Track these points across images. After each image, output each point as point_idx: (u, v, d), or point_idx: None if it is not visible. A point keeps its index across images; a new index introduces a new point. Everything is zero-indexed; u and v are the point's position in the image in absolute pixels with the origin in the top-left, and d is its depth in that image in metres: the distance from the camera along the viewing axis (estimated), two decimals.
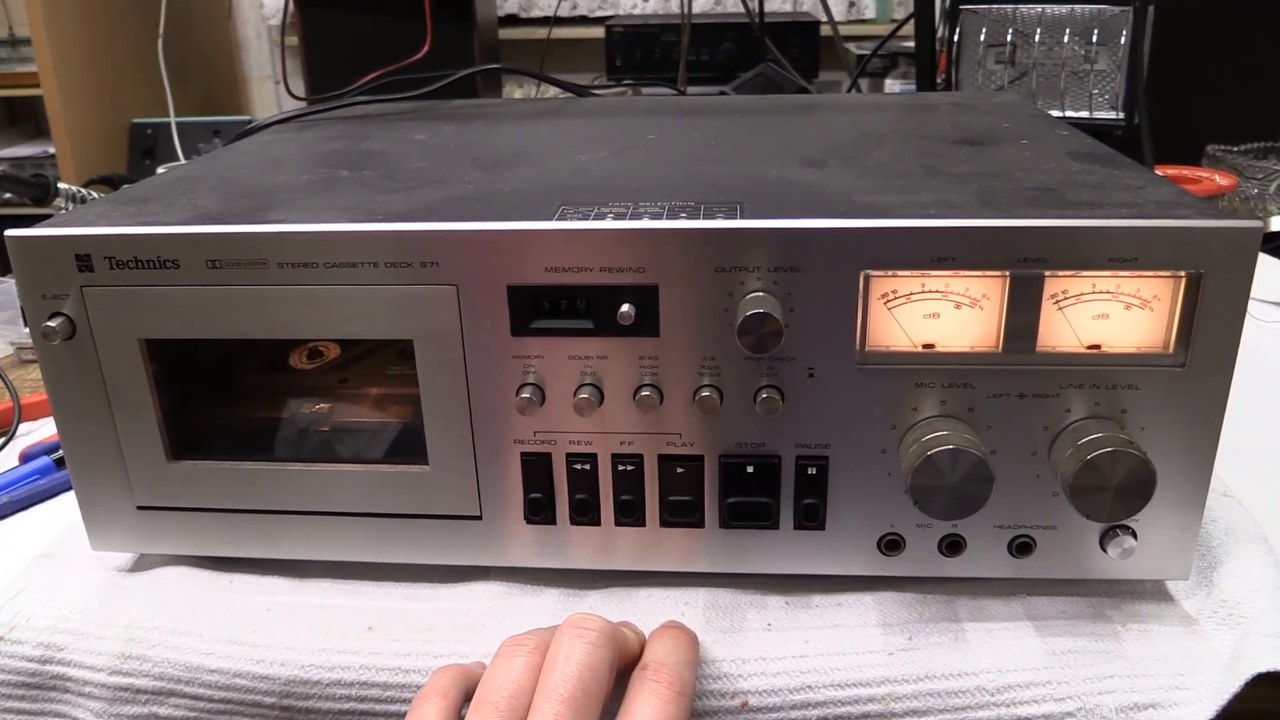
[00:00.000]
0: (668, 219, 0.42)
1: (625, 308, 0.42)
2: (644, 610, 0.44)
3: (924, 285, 0.43)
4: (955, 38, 0.88)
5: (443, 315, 0.43)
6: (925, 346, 0.44)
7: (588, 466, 0.45)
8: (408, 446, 0.47)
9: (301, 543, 0.50)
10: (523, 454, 0.44)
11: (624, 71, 1.69)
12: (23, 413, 0.67)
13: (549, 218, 0.43)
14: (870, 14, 2.43)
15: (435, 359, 0.45)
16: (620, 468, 0.44)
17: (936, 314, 0.42)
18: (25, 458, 0.62)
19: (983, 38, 0.85)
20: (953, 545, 0.46)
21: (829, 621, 0.46)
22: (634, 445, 0.43)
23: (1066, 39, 0.80)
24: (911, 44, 1.69)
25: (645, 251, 0.42)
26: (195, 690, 0.46)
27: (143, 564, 0.53)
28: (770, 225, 0.42)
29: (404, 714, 0.44)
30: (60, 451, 0.62)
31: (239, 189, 0.51)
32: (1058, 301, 0.42)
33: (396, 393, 0.51)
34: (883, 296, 0.43)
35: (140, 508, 0.50)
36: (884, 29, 2.21)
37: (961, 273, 0.39)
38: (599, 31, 1.80)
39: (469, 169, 0.53)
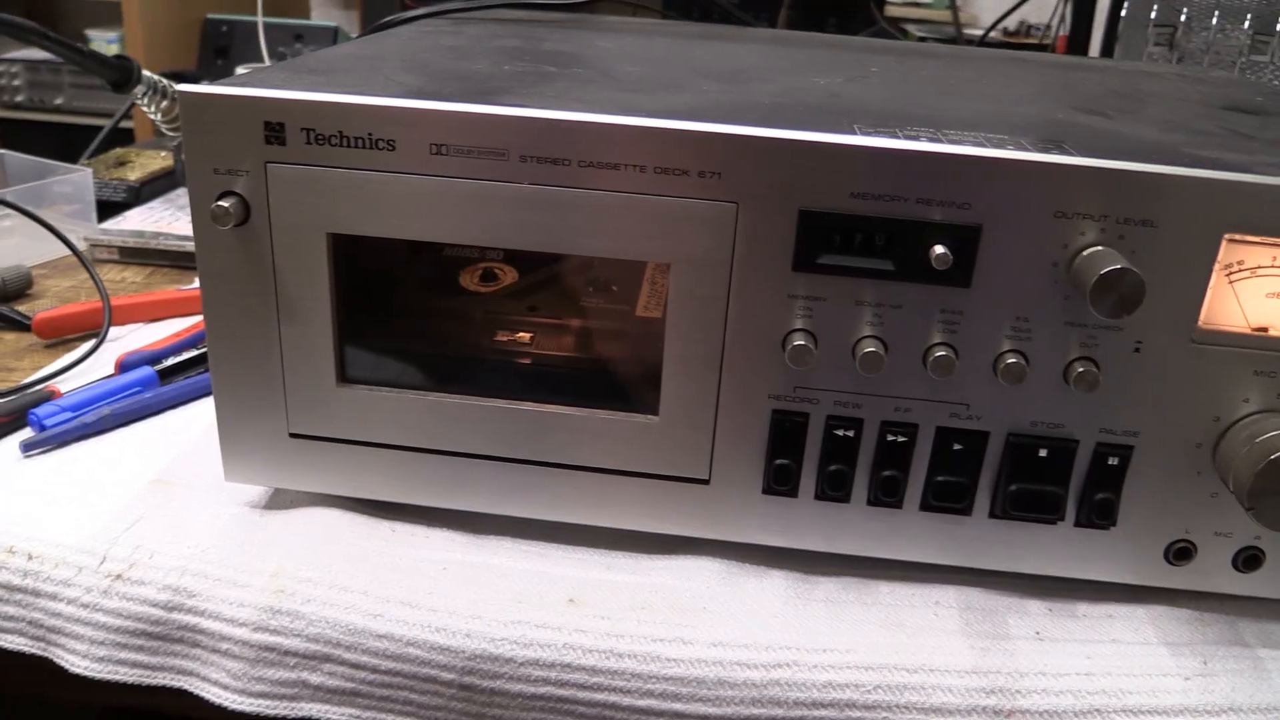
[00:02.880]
0: (997, 148, 0.36)
1: (940, 249, 0.36)
2: (886, 607, 0.39)
3: (1275, 259, 0.36)
4: (1120, 12, 0.82)
5: (713, 237, 0.37)
6: (1257, 330, 0.37)
7: (850, 433, 0.40)
8: (630, 391, 0.42)
9: (484, 493, 0.43)
10: (775, 411, 0.39)
11: (689, 5, 1.66)
12: (113, 315, 0.58)
13: (848, 131, 0.37)
14: None
15: (692, 289, 0.38)
16: (889, 438, 0.39)
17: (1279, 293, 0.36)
18: (123, 367, 0.53)
19: (1153, 15, 0.78)
20: (1250, 560, 0.40)
21: (1103, 635, 0.40)
22: (910, 413, 0.38)
23: (1247, 24, 0.73)
24: (979, 31, 1.65)
25: (973, 184, 0.35)
26: (357, 657, 0.39)
27: (280, 501, 0.45)
28: (1132, 168, 0.35)
29: (610, 704, 0.37)
30: (165, 362, 0.54)
31: (439, 72, 0.43)
32: None
33: (607, 327, 0.45)
34: (1226, 267, 0.37)
35: (295, 435, 0.43)
36: (937, 14, 2.20)
37: None
38: None
39: (696, 78, 0.46)
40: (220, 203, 0.38)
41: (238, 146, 0.38)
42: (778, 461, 0.40)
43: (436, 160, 0.38)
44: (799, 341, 0.38)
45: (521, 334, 0.46)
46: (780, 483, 0.40)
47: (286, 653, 0.39)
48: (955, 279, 0.36)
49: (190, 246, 0.71)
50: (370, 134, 0.38)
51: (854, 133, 0.37)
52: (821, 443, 0.39)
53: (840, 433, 0.40)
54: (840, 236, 0.36)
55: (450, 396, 0.42)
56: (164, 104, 0.68)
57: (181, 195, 0.83)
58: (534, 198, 0.38)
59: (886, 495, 0.40)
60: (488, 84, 0.41)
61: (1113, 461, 0.39)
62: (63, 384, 0.52)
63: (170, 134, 0.74)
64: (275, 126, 0.38)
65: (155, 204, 0.80)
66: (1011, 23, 2.13)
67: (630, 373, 0.43)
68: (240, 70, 0.80)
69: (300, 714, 0.40)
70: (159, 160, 0.89)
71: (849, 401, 0.40)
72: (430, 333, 0.47)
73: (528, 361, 0.45)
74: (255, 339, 0.41)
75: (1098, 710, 0.37)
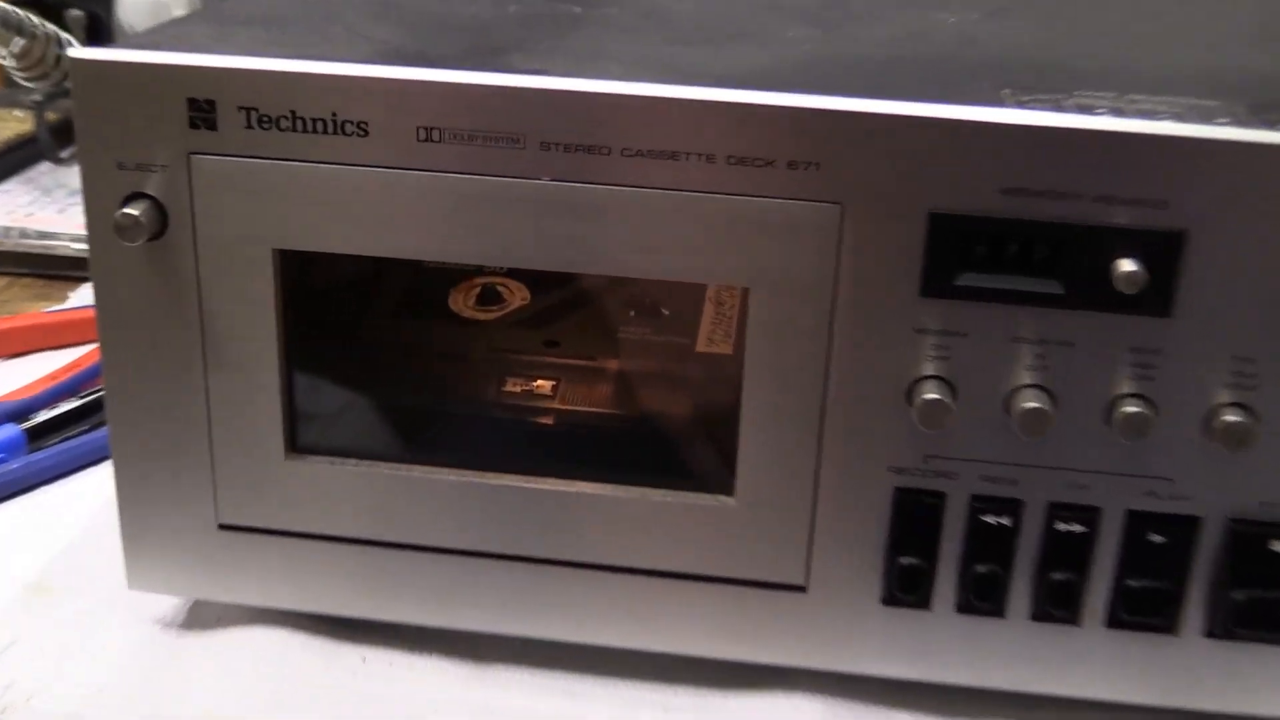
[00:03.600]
0: (1207, 124, 0.37)
1: (1128, 265, 0.36)
2: None
3: None
4: None
5: (809, 252, 0.38)
6: None
7: (1005, 520, 0.40)
8: (693, 461, 0.43)
9: (490, 606, 0.44)
10: (898, 490, 0.40)
11: None
12: None
13: (995, 103, 0.38)
14: None
15: (780, 323, 0.40)
16: (1059, 526, 0.40)
17: None
18: None
19: None
20: None
21: None
22: (1089, 491, 0.39)
23: None
24: None
25: (1174, 174, 0.36)
26: None
27: (206, 618, 0.47)
28: None
29: None
30: (34, 417, 0.56)
31: (424, 20, 0.45)
32: None
33: (658, 369, 0.47)
34: None
35: (226, 526, 0.44)
36: None
37: None
38: None
39: (777, 19, 0.47)
40: (127, 209, 0.40)
41: (151, 132, 0.40)
42: (903, 560, 0.41)
43: (426, 150, 0.39)
44: (931, 394, 0.39)
45: (539, 381, 0.47)
46: (907, 589, 0.41)
47: None
48: (1150, 305, 0.37)
49: (66, 247, 0.72)
50: (334, 114, 0.39)
51: (1003, 103, 0.38)
52: (964, 534, 0.40)
53: (990, 519, 0.40)
54: (987, 248, 0.37)
55: (442, 472, 0.43)
56: (19, 43, 0.67)
57: (48, 172, 0.85)
58: (560, 200, 0.39)
59: (1057, 607, 0.40)
60: (491, 37, 0.43)
61: None
62: None
63: (28, 85, 0.73)
64: (203, 105, 0.40)
65: (11, 186, 0.82)
66: None
67: (692, 435, 0.44)
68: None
69: None
70: (12, 123, 0.90)
71: (1002, 476, 0.40)
72: (414, 382, 0.48)
73: (548, 421, 0.46)
74: (173, 393, 0.43)
75: None
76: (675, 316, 0.45)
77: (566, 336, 0.47)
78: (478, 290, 0.49)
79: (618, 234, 0.39)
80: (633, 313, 0.46)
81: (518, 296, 0.49)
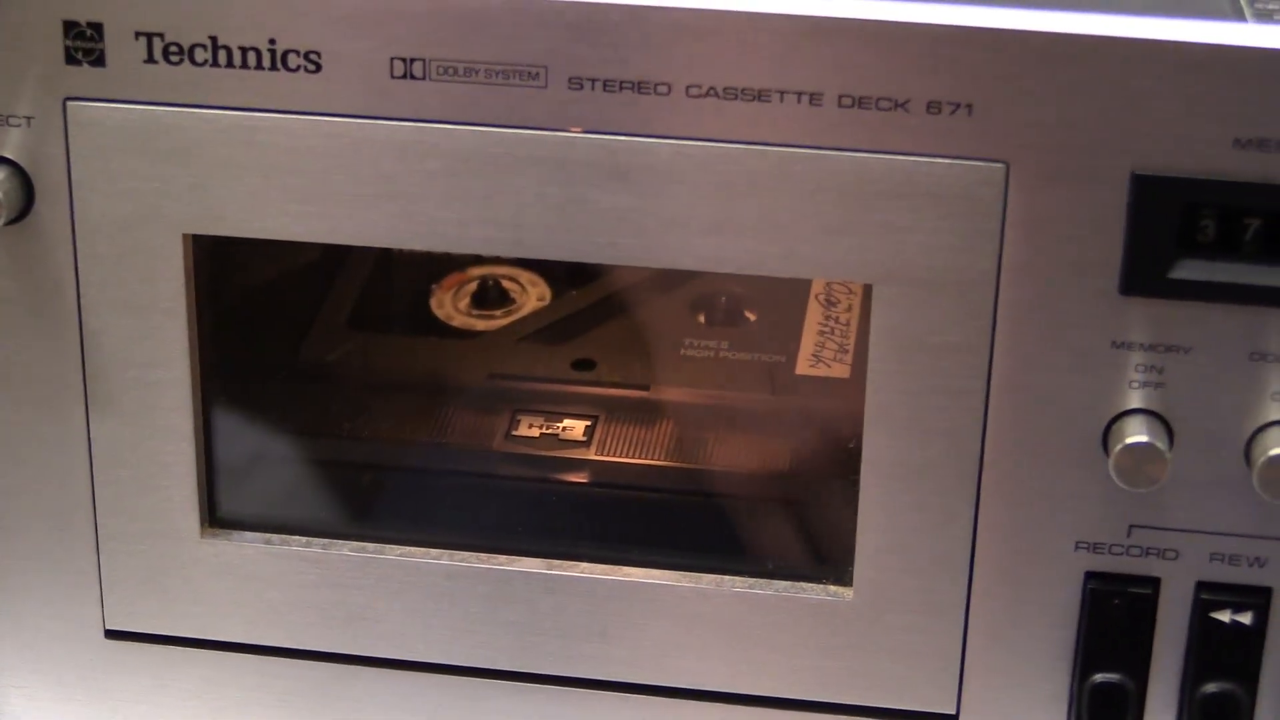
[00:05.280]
0: None
1: None
2: None
3: None
4: None
5: (959, 230, 0.39)
6: None
7: (1250, 618, 0.41)
8: (792, 540, 0.44)
9: None
10: (1091, 577, 0.41)
11: None
12: None
13: (1229, 17, 0.39)
14: None
15: (917, 335, 0.41)
16: None
17: None
18: None
19: None
20: None
21: None
22: None
23: None
24: None
25: None
26: None
27: None
28: None
29: None
30: None
31: None
32: None
33: (738, 404, 0.48)
34: None
35: (115, 635, 0.45)
36: None
37: None
38: None
39: None
40: None
41: (9, 69, 0.41)
42: (1098, 679, 0.42)
43: (402, 90, 0.40)
44: (1138, 436, 0.40)
45: (567, 421, 0.48)
46: (1107, 718, 0.41)
47: None
48: None
49: None
50: (273, 42, 0.40)
51: (1241, 17, 0.38)
52: (1189, 639, 0.41)
53: (1226, 618, 0.41)
54: (1217, 225, 0.38)
55: (424, 554, 0.44)
56: None
57: None
58: (596, 159, 0.40)
59: None
60: None
61: None
62: None
63: None
64: (85, 31, 0.41)
65: None
66: None
67: (790, 498, 0.45)
68: None
69: None
70: None
71: (1243, 554, 0.41)
72: (383, 423, 0.49)
73: (580, 478, 0.47)
74: (41, 445, 0.44)
75: None
76: (765, 326, 0.46)
77: (605, 354, 0.48)
78: (474, 287, 0.50)
79: (678, 207, 0.40)
80: (702, 319, 0.47)
81: (533, 296, 0.49)
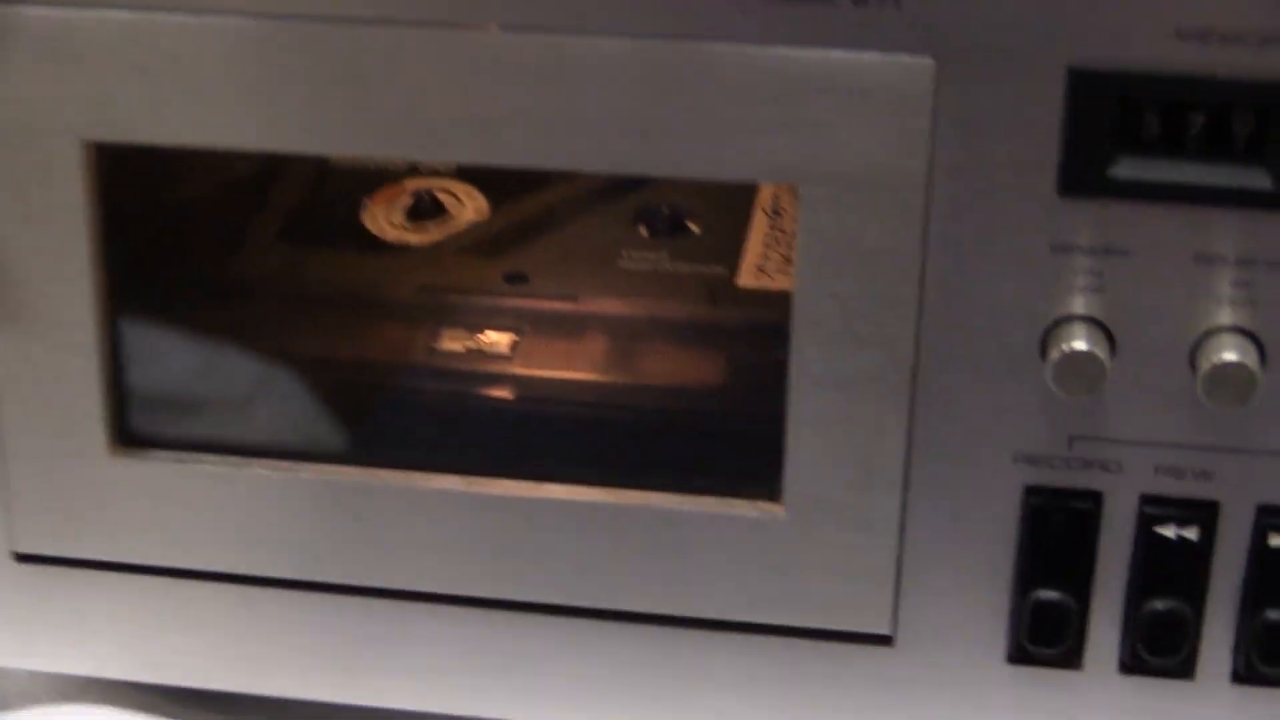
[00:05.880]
0: None
1: None
2: None
3: None
4: None
5: (887, 129, 0.38)
6: None
7: (1196, 533, 0.41)
8: (722, 455, 0.44)
9: (420, 673, 0.45)
10: (1031, 490, 0.41)
11: None
12: None
13: None
14: None
15: (846, 239, 0.40)
16: (1276, 540, 0.41)
17: None
18: None
19: None
20: None
21: None
22: None
23: None
24: None
25: None
26: None
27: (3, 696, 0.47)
28: None
29: None
30: None
31: None
32: None
33: (679, 317, 0.47)
34: None
35: (24, 558, 0.45)
36: None
37: None
38: None
39: None
40: None
41: None
42: (1039, 595, 0.41)
43: None
44: (1077, 343, 0.39)
45: (492, 336, 0.48)
46: (1045, 639, 0.42)
47: None
48: None
49: None
50: None
51: None
52: (1132, 555, 0.41)
53: (1171, 532, 0.41)
54: (1160, 122, 0.37)
55: (344, 473, 0.43)
56: None
57: None
58: (513, 57, 0.39)
59: (1272, 662, 0.41)
60: None
61: None
62: None
63: None
64: None
65: None
66: None
67: (722, 413, 0.44)
68: None
69: None
70: None
71: (1188, 466, 0.40)
72: (304, 339, 0.49)
73: (507, 394, 0.47)
74: None
75: None
76: (709, 238, 0.46)
77: (540, 268, 0.47)
78: (408, 201, 0.49)
79: (598, 107, 0.39)
80: (644, 231, 0.47)
81: (470, 209, 0.49)
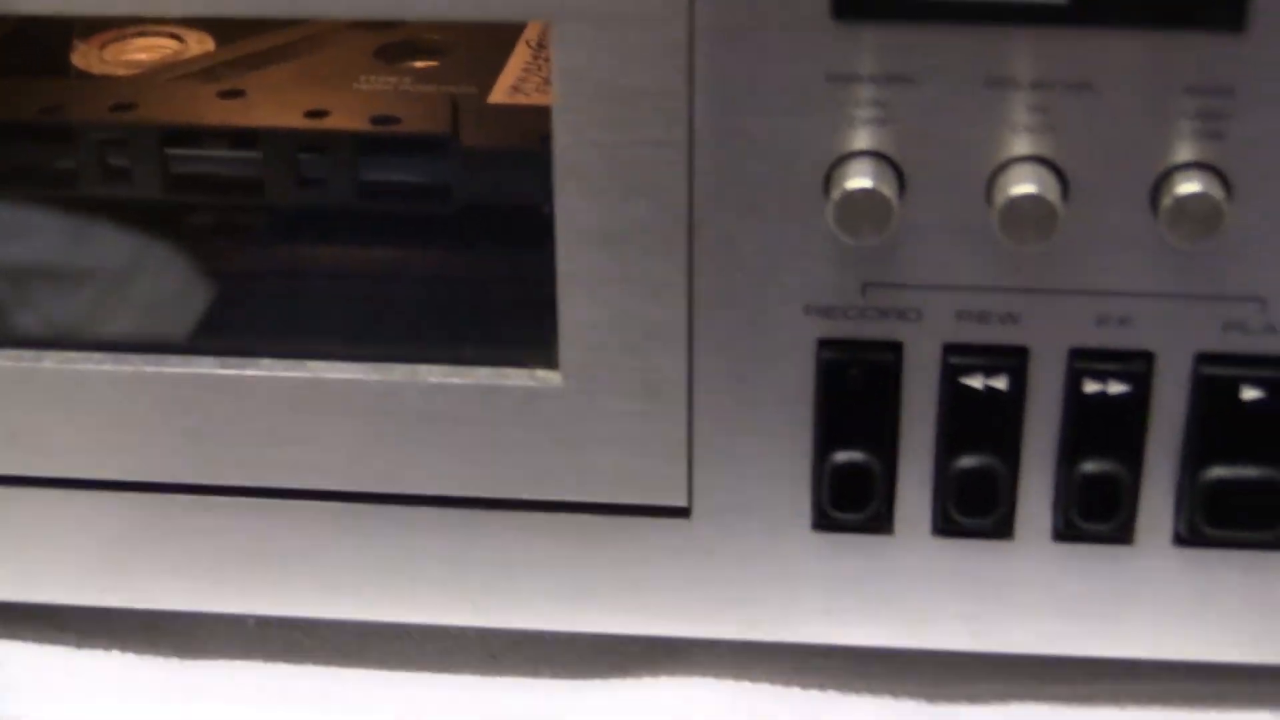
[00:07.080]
0: None
1: None
2: None
3: None
4: None
5: None
6: None
7: (1004, 381, 0.40)
8: (487, 316, 0.43)
9: (160, 575, 0.45)
10: (825, 344, 0.40)
11: None
12: None
13: None
14: None
15: (605, 79, 0.38)
16: (1090, 386, 0.40)
17: None
18: None
19: None
20: None
21: None
22: (1133, 328, 0.39)
23: None
24: None
25: None
26: None
27: None
28: None
29: None
30: None
31: None
32: None
33: (417, 130, 0.45)
34: None
35: None
36: None
37: None
38: None
39: None
40: None
41: None
42: (840, 457, 0.40)
43: None
44: (861, 181, 0.37)
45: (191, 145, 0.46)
46: (849, 504, 0.41)
47: None
48: (1213, 15, 0.35)
49: None
50: None
51: None
52: (938, 409, 0.40)
53: (977, 382, 0.40)
54: None
55: (86, 361, 0.42)
56: None
57: None
58: None
59: (1095, 518, 0.41)
60: None
61: None
62: None
63: None
64: None
65: None
66: None
67: (481, 273, 0.44)
68: None
69: None
70: None
71: (991, 310, 0.39)
72: None
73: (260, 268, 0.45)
74: None
75: None
76: (460, 65, 0.46)
77: (261, 91, 0.46)
78: (130, 44, 0.49)
79: None
80: (383, 60, 0.47)
81: (194, 47, 0.48)
